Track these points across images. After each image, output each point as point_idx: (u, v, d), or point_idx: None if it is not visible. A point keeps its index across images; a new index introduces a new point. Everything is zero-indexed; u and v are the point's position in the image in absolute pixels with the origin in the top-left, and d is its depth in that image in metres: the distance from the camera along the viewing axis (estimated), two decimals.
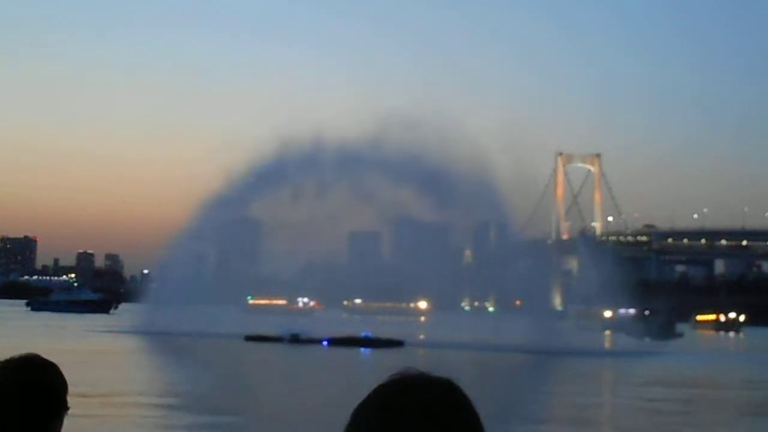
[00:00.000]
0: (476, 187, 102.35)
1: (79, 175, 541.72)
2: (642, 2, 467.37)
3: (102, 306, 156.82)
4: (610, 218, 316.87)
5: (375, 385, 1.97)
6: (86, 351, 67.65)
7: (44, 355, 3.76)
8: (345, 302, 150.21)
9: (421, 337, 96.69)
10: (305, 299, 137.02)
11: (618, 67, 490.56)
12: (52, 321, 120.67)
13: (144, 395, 39.19)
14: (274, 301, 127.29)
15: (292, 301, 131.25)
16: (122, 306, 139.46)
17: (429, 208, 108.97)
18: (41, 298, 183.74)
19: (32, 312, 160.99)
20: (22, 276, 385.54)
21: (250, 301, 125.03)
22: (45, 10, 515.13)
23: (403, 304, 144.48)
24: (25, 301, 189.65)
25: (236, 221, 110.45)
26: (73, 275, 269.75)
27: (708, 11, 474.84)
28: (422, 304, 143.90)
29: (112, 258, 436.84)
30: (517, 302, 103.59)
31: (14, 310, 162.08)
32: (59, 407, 3.74)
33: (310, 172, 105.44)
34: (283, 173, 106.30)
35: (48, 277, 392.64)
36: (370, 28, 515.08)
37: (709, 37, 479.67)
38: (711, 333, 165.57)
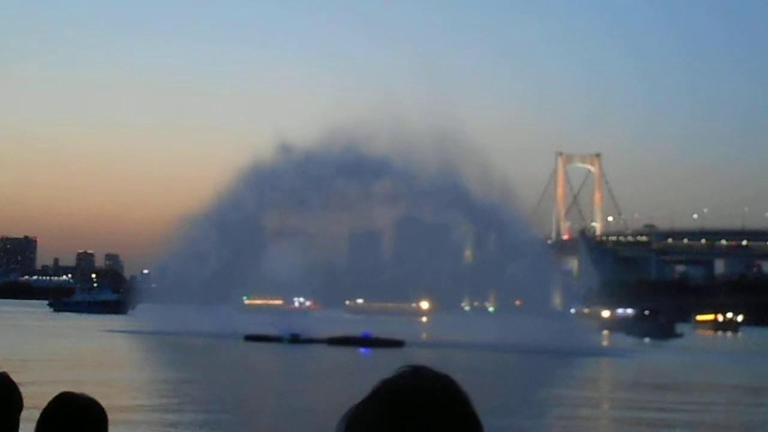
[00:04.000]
0: (474, 189, 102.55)
1: (80, 174, 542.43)
2: (638, 3, 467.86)
3: (121, 306, 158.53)
4: (610, 218, 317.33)
5: (375, 383, 1.99)
6: (86, 352, 67.78)
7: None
8: (347, 302, 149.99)
9: (424, 336, 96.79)
10: (301, 299, 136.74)
11: (616, 67, 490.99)
12: (61, 322, 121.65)
13: (143, 395, 39.19)
14: (270, 301, 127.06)
15: (289, 300, 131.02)
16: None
17: (427, 210, 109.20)
18: (63, 299, 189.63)
19: (54, 312, 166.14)
20: (22, 276, 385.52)
21: (246, 301, 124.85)
22: (48, 16, 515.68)
23: (405, 304, 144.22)
24: (47, 301, 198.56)
25: (235, 221, 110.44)
26: (94, 275, 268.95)
27: (707, 9, 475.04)
28: (424, 304, 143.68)
29: (112, 258, 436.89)
30: (517, 302, 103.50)
31: (38, 310, 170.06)
32: None
33: (309, 172, 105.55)
34: (283, 173, 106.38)
35: (48, 277, 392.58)
36: (365, 34, 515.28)
37: (706, 35, 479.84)
38: (709, 333, 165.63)
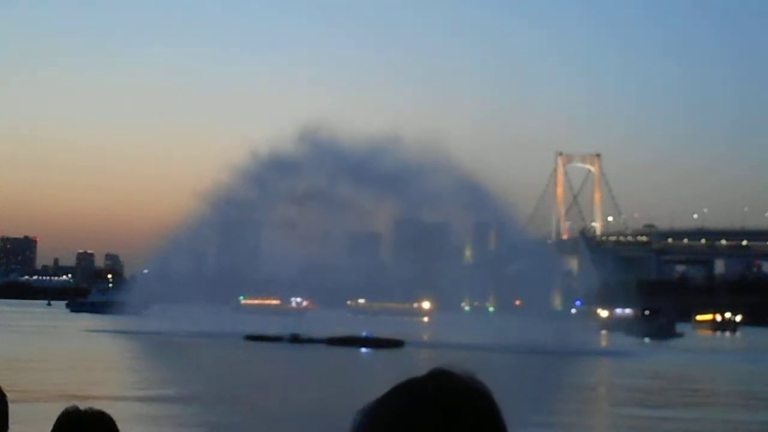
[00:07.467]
0: (474, 190, 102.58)
1: (80, 174, 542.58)
2: (636, 3, 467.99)
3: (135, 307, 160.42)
4: (610, 218, 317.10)
5: (399, 382, 1.94)
6: (85, 353, 67.86)
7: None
8: (348, 302, 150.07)
9: (425, 337, 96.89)
10: (299, 299, 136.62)
11: (616, 68, 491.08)
12: (61, 322, 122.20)
13: (144, 395, 39.27)
14: (267, 301, 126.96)
15: (286, 300, 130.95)
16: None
17: (427, 211, 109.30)
18: (79, 300, 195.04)
19: (71, 313, 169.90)
20: (22, 276, 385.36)
21: (243, 301, 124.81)
22: (48, 20, 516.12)
23: (406, 305, 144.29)
24: (46, 301, 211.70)
25: (234, 221, 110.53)
26: (111, 277, 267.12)
27: (705, 10, 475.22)
28: (425, 305, 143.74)
29: (112, 258, 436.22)
30: (517, 302, 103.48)
31: (55, 311, 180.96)
32: None
33: (307, 173, 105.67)
34: (281, 174, 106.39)
35: (48, 277, 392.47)
36: (361, 37, 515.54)
37: (705, 35, 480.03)
38: (708, 333, 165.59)
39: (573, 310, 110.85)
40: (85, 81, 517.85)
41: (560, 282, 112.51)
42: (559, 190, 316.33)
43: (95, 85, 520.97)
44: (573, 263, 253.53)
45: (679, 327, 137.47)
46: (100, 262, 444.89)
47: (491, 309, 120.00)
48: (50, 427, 3.96)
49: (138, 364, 59.87)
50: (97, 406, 4.09)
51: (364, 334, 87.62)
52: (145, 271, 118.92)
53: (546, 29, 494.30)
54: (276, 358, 69.65)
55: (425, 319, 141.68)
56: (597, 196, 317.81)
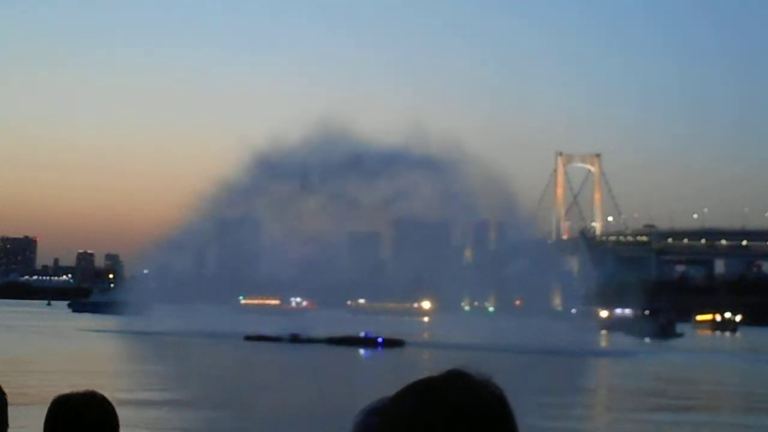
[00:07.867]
0: (478, 188, 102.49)
1: (80, 174, 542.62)
2: (635, 4, 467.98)
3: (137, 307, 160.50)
4: (610, 218, 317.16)
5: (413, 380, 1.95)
6: (86, 354, 67.86)
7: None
8: (348, 302, 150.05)
9: (425, 337, 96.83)
10: (298, 299, 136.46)
11: (616, 68, 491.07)
12: (61, 322, 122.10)
13: (145, 398, 39.23)
14: (267, 301, 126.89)
15: (286, 300, 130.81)
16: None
17: (429, 208, 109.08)
18: (81, 300, 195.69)
19: (74, 313, 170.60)
20: (22, 276, 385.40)
21: (242, 301, 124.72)
22: (49, 21, 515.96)
23: (407, 304, 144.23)
24: (46, 301, 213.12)
25: (234, 220, 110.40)
26: (112, 277, 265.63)
27: (704, 10, 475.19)
28: (425, 305, 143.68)
29: (112, 258, 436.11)
30: (517, 302, 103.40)
31: (56, 311, 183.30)
32: None
33: (307, 172, 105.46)
34: (280, 174, 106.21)
35: (48, 277, 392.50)
36: (359, 39, 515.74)
37: (705, 36, 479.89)
38: (708, 333, 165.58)
39: (573, 310, 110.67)
40: (85, 81, 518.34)
41: (560, 282, 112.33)
42: (559, 190, 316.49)
43: (95, 85, 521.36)
44: (573, 263, 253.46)
45: (679, 327, 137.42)
46: (100, 262, 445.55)
47: (491, 309, 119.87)
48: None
49: (138, 365, 59.79)
50: None
51: (362, 334, 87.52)
52: (145, 271, 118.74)
53: (546, 29, 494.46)
54: (276, 359, 69.64)
55: (425, 319, 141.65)
56: (597, 196, 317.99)
